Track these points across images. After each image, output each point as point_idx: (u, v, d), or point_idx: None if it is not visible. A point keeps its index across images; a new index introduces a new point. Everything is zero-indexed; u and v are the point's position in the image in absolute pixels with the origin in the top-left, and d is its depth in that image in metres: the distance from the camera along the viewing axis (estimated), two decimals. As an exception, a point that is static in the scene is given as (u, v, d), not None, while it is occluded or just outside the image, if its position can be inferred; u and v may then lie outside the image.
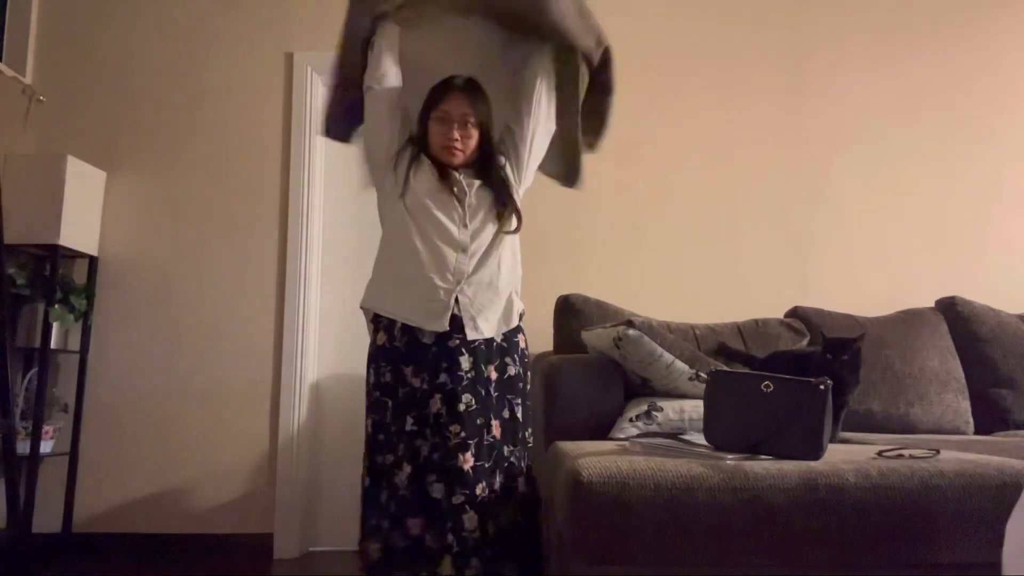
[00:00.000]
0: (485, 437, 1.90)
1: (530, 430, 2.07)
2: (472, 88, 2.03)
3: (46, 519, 3.02)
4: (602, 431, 2.38)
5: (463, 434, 1.86)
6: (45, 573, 2.80)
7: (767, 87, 3.54)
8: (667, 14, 3.56)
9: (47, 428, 3.01)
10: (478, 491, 1.84)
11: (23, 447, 2.90)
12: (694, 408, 2.35)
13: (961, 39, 3.63)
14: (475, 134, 2.00)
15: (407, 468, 1.86)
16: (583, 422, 2.40)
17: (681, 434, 2.17)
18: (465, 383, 1.90)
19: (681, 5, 3.57)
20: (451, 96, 2.00)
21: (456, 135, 1.97)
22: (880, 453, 1.71)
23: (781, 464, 1.61)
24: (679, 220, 3.42)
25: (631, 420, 2.36)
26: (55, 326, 3.01)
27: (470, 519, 1.82)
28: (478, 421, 1.89)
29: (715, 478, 1.55)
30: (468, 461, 1.84)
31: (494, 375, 1.97)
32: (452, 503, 1.82)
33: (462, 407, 1.88)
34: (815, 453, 1.65)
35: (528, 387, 2.06)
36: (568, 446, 1.98)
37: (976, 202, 3.52)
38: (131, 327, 3.24)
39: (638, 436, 2.27)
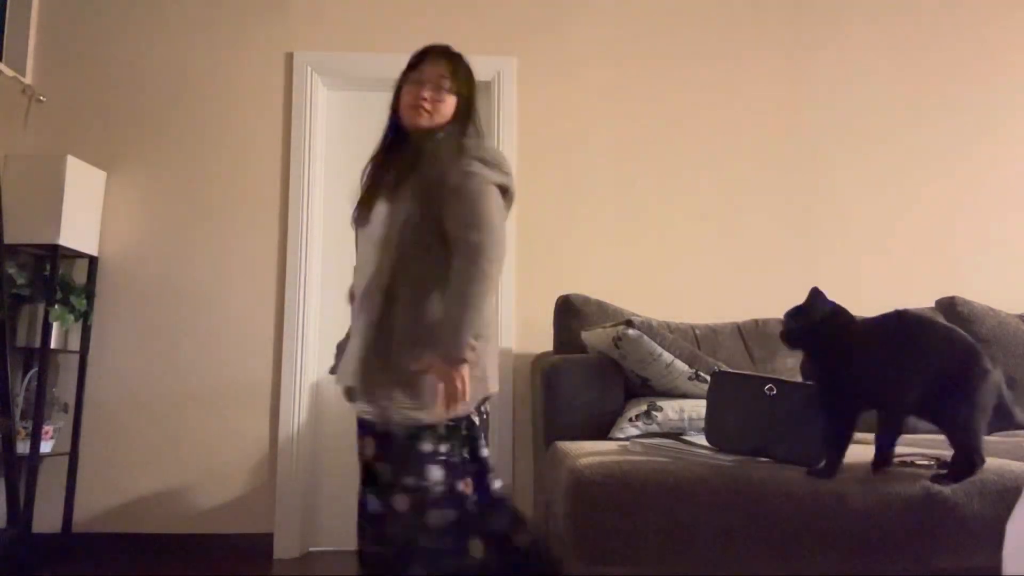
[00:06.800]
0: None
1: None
2: (452, 55, 1.84)
3: (46, 519, 3.03)
4: (602, 431, 2.38)
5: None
6: (45, 573, 2.79)
7: (768, 87, 3.54)
8: (667, 12, 3.55)
9: (47, 428, 3.00)
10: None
11: (23, 447, 2.90)
12: (694, 408, 2.35)
13: (963, 37, 3.63)
14: (449, 100, 1.80)
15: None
16: (583, 422, 2.40)
17: (681, 434, 2.17)
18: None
19: (681, 3, 3.57)
20: (428, 59, 1.83)
21: (426, 94, 1.77)
22: (880, 456, 1.71)
23: (783, 468, 1.61)
24: (679, 220, 3.42)
25: (631, 420, 2.36)
26: (55, 326, 3.00)
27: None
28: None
29: (717, 480, 1.55)
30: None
31: None
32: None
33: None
34: (816, 459, 1.65)
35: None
36: (568, 446, 1.98)
37: (976, 202, 3.53)
38: (131, 327, 3.24)
39: (638, 436, 2.28)
